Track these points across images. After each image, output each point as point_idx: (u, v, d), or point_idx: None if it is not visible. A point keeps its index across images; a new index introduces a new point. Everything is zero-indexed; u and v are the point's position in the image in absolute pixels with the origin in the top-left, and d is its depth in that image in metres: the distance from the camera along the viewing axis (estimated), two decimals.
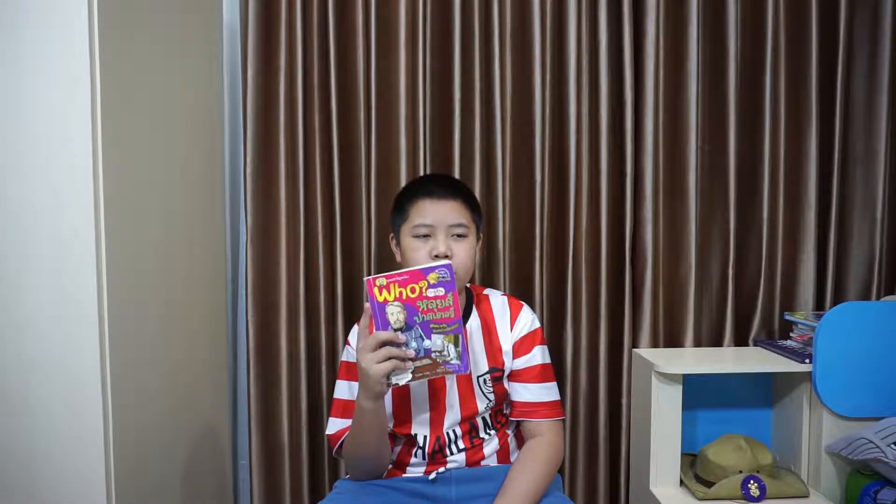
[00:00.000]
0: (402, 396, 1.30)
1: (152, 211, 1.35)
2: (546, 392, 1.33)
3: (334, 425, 1.32)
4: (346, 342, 1.38)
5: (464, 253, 1.27)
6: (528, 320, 1.35)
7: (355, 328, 1.37)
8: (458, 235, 1.27)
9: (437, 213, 1.26)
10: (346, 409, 1.29)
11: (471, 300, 1.37)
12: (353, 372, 1.33)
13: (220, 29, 1.77)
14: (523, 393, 1.32)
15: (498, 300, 1.38)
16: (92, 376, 1.15)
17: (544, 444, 1.29)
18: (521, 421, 1.33)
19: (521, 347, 1.33)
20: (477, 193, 1.80)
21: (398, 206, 1.33)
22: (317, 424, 1.82)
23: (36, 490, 1.16)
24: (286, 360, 1.80)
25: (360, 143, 1.80)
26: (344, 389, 1.33)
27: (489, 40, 1.80)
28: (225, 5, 1.82)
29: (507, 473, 1.26)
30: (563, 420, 1.35)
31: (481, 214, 1.37)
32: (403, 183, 1.74)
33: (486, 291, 1.40)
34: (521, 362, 1.32)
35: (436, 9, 1.78)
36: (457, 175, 1.81)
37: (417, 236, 1.27)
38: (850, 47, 1.85)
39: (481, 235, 1.39)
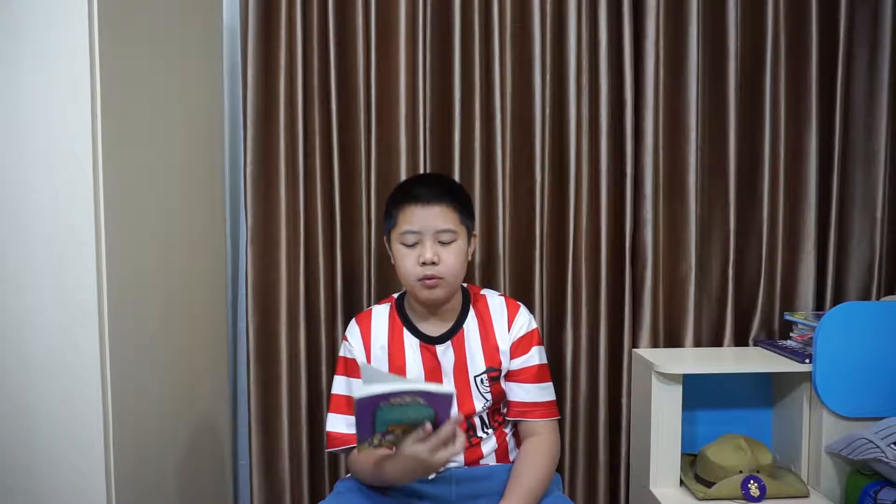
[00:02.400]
0: None
1: (152, 211, 1.35)
2: (542, 392, 1.34)
3: (333, 421, 1.32)
4: (344, 339, 1.39)
5: (452, 258, 1.27)
6: (526, 321, 1.35)
7: (353, 324, 1.38)
8: (446, 242, 1.27)
9: (423, 219, 1.26)
10: (345, 404, 1.30)
11: (468, 300, 1.37)
12: (350, 368, 1.34)
13: (220, 29, 1.77)
14: (520, 393, 1.33)
15: (495, 300, 1.38)
16: (92, 376, 1.15)
17: (545, 442, 1.30)
18: (517, 421, 1.34)
19: (518, 348, 1.33)
20: (477, 193, 1.80)
21: (387, 211, 1.34)
22: (317, 425, 1.82)
23: (36, 490, 1.16)
24: (286, 360, 1.80)
25: (360, 143, 1.80)
26: (342, 385, 1.34)
27: (489, 40, 1.79)
28: (225, 5, 1.82)
29: (511, 472, 1.26)
30: (559, 420, 1.35)
31: (472, 215, 1.36)
32: None
33: (484, 291, 1.41)
34: (519, 363, 1.33)
35: (436, 8, 1.78)
36: (457, 175, 1.80)
37: (405, 243, 1.27)
38: (850, 47, 1.84)
39: (475, 234, 1.39)
